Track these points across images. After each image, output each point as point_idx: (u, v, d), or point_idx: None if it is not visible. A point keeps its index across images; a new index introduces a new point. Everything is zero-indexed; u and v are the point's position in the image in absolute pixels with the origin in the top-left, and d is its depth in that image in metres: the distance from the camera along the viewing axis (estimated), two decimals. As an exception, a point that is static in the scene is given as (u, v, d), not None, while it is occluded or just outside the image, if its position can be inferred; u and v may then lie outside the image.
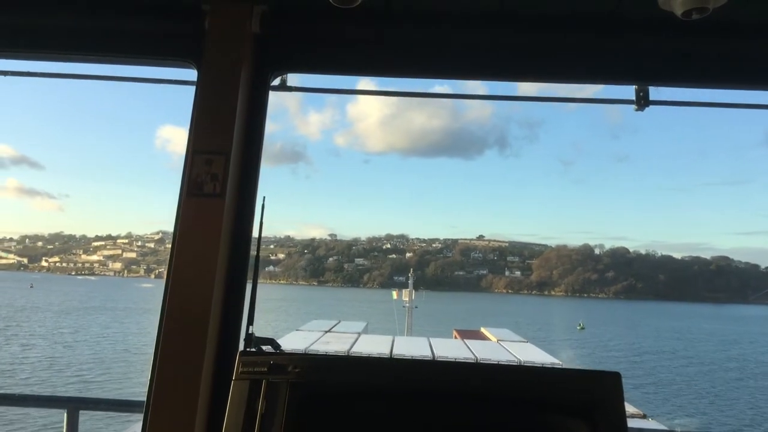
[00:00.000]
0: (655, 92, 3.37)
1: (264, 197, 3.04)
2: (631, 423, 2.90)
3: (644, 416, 18.19)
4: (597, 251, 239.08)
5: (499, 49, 3.37)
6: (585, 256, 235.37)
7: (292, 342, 26.06)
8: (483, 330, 40.20)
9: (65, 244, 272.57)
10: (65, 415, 4.74)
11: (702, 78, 3.33)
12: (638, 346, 68.00)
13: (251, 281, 3.06)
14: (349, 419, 2.27)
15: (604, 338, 74.64)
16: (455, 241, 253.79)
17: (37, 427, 21.66)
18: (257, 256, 3.10)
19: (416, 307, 50.07)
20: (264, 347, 2.64)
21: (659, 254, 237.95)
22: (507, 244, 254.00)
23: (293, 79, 3.55)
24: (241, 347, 2.71)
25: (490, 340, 34.44)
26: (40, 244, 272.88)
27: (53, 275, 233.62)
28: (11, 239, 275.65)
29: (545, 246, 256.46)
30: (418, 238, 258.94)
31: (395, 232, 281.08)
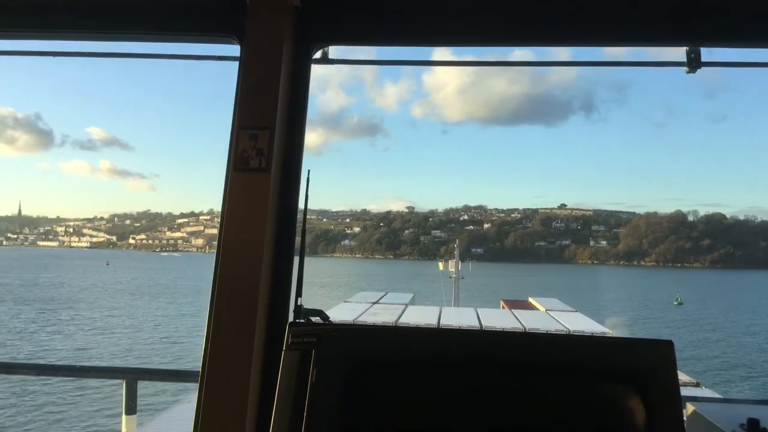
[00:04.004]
0: (707, 53, 3.30)
1: (309, 171, 3.10)
2: (684, 392, 2.74)
3: (697, 384, 18.08)
4: (690, 218, 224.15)
5: (544, 12, 3.35)
6: (677, 223, 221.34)
7: (340, 314, 26.38)
8: (531, 300, 40.14)
9: (151, 222, 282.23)
10: (124, 385, 5.00)
11: (757, 37, 3.26)
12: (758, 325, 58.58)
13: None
14: (398, 388, 2.32)
15: (708, 314, 65.75)
16: (535, 211, 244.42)
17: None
18: (303, 230, 3.21)
19: (463, 278, 48.88)
20: (313, 318, 2.69)
21: (759, 219, 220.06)
22: (591, 213, 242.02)
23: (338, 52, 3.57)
24: (291, 319, 2.77)
25: (538, 310, 34.40)
26: (128, 222, 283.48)
27: (139, 252, 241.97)
28: (101, 218, 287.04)
29: (633, 213, 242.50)
30: (496, 209, 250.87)
31: (472, 203, 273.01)
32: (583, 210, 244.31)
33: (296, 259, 3.17)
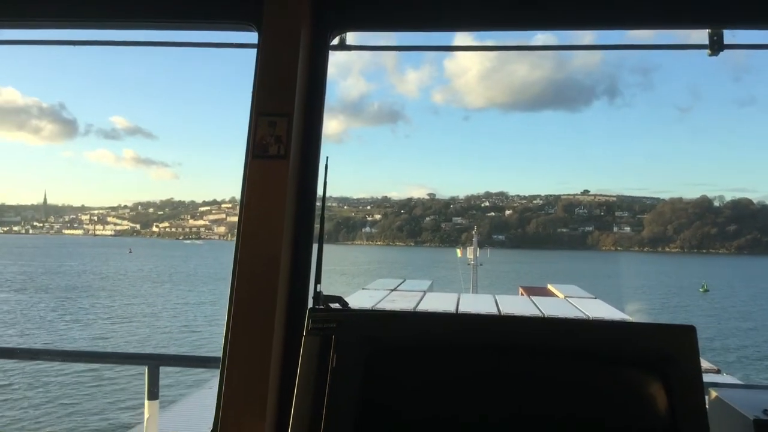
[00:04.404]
0: (730, 36, 3.28)
1: (327, 158, 3.08)
2: (706, 378, 2.55)
3: (718, 371, 17.91)
4: (716, 203, 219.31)
5: None
6: (703, 209, 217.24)
7: (358, 300, 26.08)
8: (550, 287, 39.89)
9: (174, 210, 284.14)
10: (146, 370, 5.09)
11: None
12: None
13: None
14: (417, 373, 2.34)
15: (737, 302, 64.15)
16: (558, 197, 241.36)
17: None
18: (322, 217, 3.16)
19: (481, 265, 48.58)
20: (332, 305, 2.70)
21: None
22: (615, 199, 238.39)
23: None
24: (310, 305, 2.77)
25: (557, 296, 34.15)
26: (151, 210, 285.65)
27: (162, 240, 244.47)
28: (125, 206, 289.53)
29: (658, 199, 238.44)
30: (518, 195, 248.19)
31: (494, 189, 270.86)
32: (607, 196, 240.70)
33: (315, 246, 3.13)
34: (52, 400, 23.57)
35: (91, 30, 3.78)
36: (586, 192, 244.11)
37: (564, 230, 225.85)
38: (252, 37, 3.42)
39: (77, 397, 23.87)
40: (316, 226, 3.29)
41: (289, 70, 3.24)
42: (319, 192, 3.20)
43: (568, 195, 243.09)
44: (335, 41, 3.48)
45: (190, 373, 21.22)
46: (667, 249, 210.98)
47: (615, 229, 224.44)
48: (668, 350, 2.20)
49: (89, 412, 22.40)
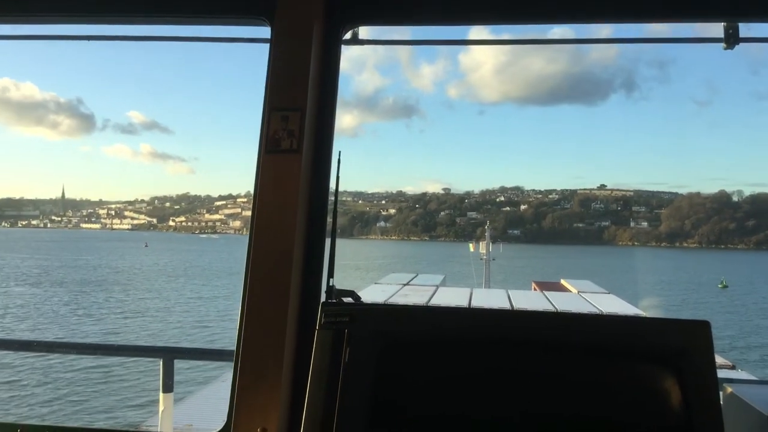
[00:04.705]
0: (745, 29, 3.28)
1: (339, 152, 3.08)
2: (720, 374, 2.83)
3: (733, 367, 17.63)
4: (735, 198, 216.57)
5: None
6: (721, 203, 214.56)
7: (371, 295, 26.42)
8: (563, 282, 39.76)
9: (190, 204, 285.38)
10: (161, 363, 5.21)
11: None
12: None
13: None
14: (430, 367, 2.36)
15: (758, 298, 62.89)
16: (574, 192, 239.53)
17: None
18: (335, 211, 3.15)
19: (494, 260, 48.00)
20: (345, 299, 2.72)
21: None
22: (632, 194, 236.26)
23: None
24: (323, 299, 2.77)
25: (570, 291, 33.93)
26: (168, 204, 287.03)
27: (178, 234, 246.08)
28: (142, 201, 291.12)
29: (675, 194, 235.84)
30: (533, 190, 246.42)
31: (509, 184, 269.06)
32: (624, 190, 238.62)
33: (328, 240, 3.19)
34: (62, 397, 23.43)
35: (105, 25, 3.81)
36: (602, 187, 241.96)
37: (580, 225, 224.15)
38: (265, 31, 3.41)
39: (85, 394, 23.69)
40: (329, 220, 3.27)
41: (302, 64, 3.22)
42: (332, 186, 3.16)
43: (585, 190, 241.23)
44: (348, 36, 3.46)
45: (199, 370, 21.01)
46: (685, 244, 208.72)
47: (632, 224, 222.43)
48: (682, 345, 2.17)
49: (96, 410, 22.21)
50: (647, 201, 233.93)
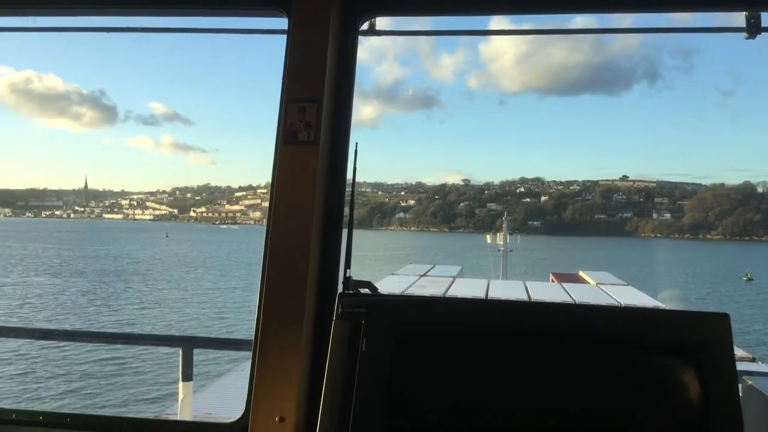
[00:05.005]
0: None
1: (356, 143, 3.14)
2: (740, 366, 2.65)
3: (753, 359, 17.52)
4: (760, 189, 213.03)
5: None
6: (746, 194, 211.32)
7: (388, 286, 25.89)
8: (581, 273, 39.22)
9: (211, 195, 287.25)
10: (180, 352, 5.26)
11: None
12: None
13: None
14: (446, 358, 2.36)
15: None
16: (595, 183, 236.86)
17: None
18: (351, 202, 3.27)
19: (511, 251, 47.82)
20: (361, 290, 2.73)
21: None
22: (655, 185, 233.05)
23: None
24: (340, 290, 2.80)
25: (588, 283, 33.45)
26: (189, 195, 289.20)
27: (199, 225, 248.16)
28: (164, 191, 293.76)
29: (699, 185, 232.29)
30: (554, 181, 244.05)
31: (530, 175, 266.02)
32: (646, 181, 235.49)
33: (345, 231, 3.14)
34: (76, 390, 23.41)
35: (125, 17, 3.83)
36: (624, 177, 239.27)
37: (602, 217, 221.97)
38: (282, 23, 3.41)
39: (98, 386, 23.65)
40: (346, 210, 3.29)
41: (319, 55, 3.22)
42: (349, 177, 3.20)
43: (606, 180, 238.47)
44: (365, 26, 3.45)
45: (212, 362, 20.84)
46: (709, 236, 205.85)
47: (654, 215, 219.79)
48: (701, 338, 2.16)
49: (110, 404, 22.15)
50: (670, 192, 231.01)
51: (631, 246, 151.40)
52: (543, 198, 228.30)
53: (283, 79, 3.30)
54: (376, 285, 2.77)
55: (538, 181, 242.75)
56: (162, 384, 22.09)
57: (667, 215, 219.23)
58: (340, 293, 2.53)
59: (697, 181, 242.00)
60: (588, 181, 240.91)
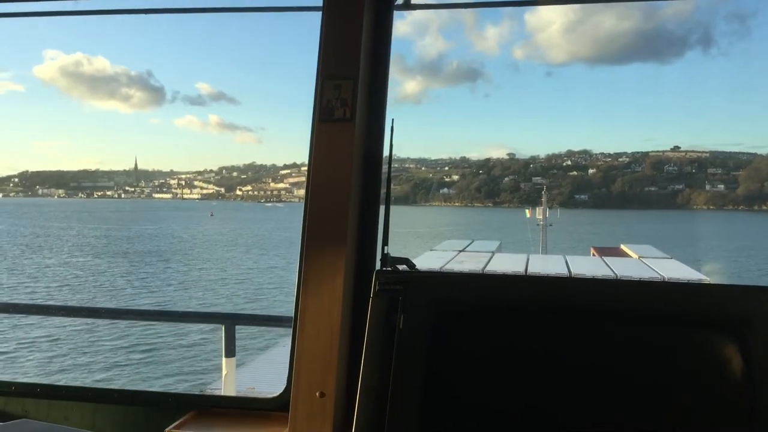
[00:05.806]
0: None
1: (393, 119, 3.09)
2: None
3: None
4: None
5: None
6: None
7: (426, 262, 25.94)
8: (623, 247, 38.62)
9: (257, 174, 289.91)
10: (223, 329, 5.31)
11: None
12: None
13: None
14: (484, 335, 2.36)
15: None
16: (646, 154, 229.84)
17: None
18: (389, 178, 3.20)
19: (551, 225, 47.89)
20: (399, 266, 2.73)
21: None
22: (708, 155, 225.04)
23: None
24: (378, 266, 2.80)
25: (630, 257, 32.94)
26: (235, 174, 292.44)
27: (245, 203, 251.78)
28: (211, 171, 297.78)
29: (754, 155, 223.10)
30: (602, 153, 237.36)
31: (576, 147, 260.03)
32: (699, 152, 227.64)
33: (382, 208, 3.12)
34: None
35: None
36: (676, 148, 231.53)
37: (652, 189, 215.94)
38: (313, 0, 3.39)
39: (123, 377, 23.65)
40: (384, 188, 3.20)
41: (354, 32, 3.19)
42: (386, 153, 3.23)
43: (657, 152, 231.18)
44: (400, 0, 3.40)
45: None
46: (764, 207, 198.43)
47: (707, 186, 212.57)
48: (744, 312, 2.13)
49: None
50: (724, 162, 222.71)
51: (683, 219, 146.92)
52: (590, 171, 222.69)
53: (319, 56, 3.29)
54: (415, 261, 2.70)
55: (585, 153, 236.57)
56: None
57: (721, 186, 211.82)
58: (378, 270, 2.50)
59: (753, 151, 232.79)
60: (637, 152, 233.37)
